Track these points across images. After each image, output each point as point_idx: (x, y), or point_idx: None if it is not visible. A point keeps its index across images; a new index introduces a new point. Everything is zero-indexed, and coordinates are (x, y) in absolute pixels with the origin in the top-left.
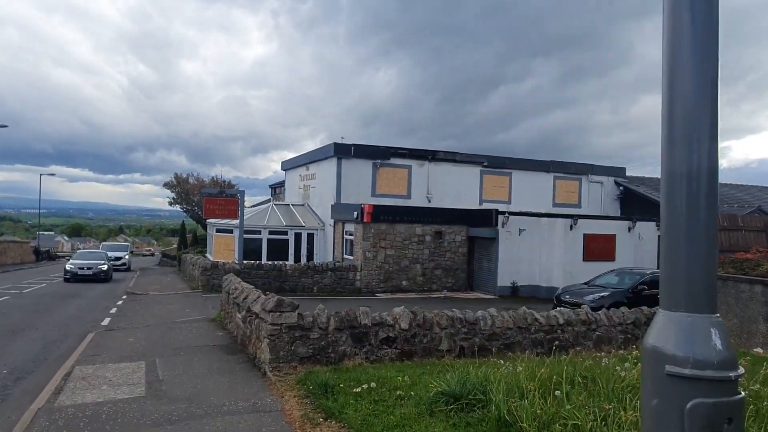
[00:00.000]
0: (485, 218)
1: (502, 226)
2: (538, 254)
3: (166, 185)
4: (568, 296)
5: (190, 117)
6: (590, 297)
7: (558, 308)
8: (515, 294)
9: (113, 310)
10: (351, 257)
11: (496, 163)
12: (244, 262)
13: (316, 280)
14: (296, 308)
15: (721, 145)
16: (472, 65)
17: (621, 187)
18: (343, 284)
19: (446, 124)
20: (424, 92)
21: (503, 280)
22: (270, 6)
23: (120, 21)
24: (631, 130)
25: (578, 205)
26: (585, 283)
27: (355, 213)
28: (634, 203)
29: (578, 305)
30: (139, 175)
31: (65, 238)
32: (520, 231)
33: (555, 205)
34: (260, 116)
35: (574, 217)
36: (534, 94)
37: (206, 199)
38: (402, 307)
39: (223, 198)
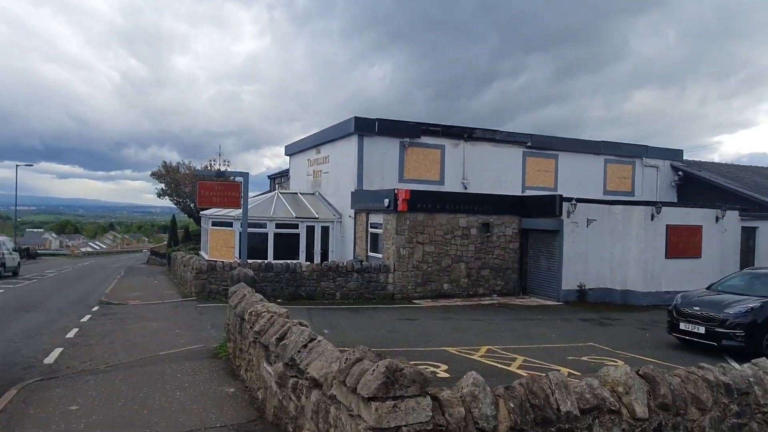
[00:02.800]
0: (546, 206)
1: (568, 216)
2: (610, 250)
3: (154, 175)
4: (697, 308)
5: (181, 113)
6: (736, 309)
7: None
8: (583, 299)
9: (72, 333)
10: (378, 255)
11: (542, 144)
12: (249, 261)
13: (339, 284)
14: (425, 385)
15: (713, 139)
16: (466, 61)
17: (680, 172)
18: (372, 289)
19: (440, 119)
20: (418, 87)
21: (568, 282)
22: (265, 0)
23: (111, 15)
24: (624, 125)
25: (631, 193)
26: (707, 289)
27: (386, 200)
28: (695, 190)
29: (717, 321)
30: (130, 172)
31: (53, 235)
32: (588, 222)
33: (606, 192)
34: (252, 112)
35: (657, 205)
36: (528, 90)
37: (201, 184)
38: (624, 367)
39: (222, 182)
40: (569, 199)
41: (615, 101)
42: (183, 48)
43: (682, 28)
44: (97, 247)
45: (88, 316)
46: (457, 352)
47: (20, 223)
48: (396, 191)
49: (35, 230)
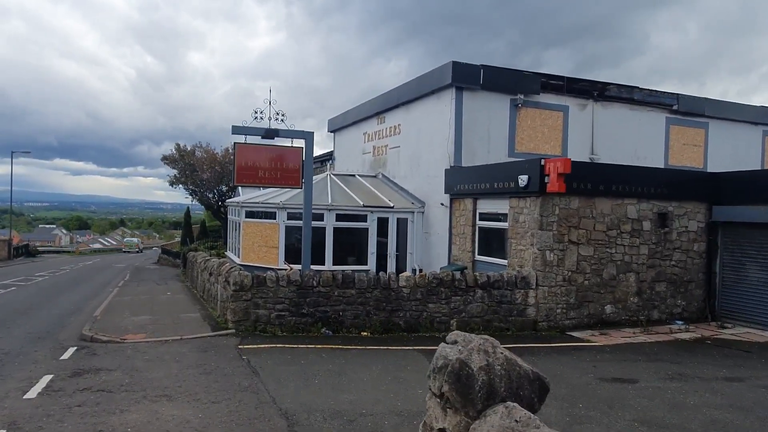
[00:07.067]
0: (763, 187)
1: None
2: None
3: (165, 159)
4: None
5: (196, 109)
6: None
7: None
8: None
9: None
10: (497, 260)
11: (691, 107)
12: (313, 269)
13: (454, 306)
14: None
15: None
16: (484, 55)
17: None
18: (504, 314)
19: None
20: None
21: None
22: None
23: (127, 11)
24: None
25: None
26: None
27: (524, 178)
28: None
29: None
30: (142, 168)
31: (63, 231)
32: None
33: None
34: (266, 108)
35: None
36: None
37: (241, 149)
38: None
39: (274, 147)
40: None
41: None
42: (199, 44)
43: (704, 22)
44: (107, 244)
45: (46, 380)
46: None
47: (33, 219)
48: (543, 162)
49: (47, 226)
